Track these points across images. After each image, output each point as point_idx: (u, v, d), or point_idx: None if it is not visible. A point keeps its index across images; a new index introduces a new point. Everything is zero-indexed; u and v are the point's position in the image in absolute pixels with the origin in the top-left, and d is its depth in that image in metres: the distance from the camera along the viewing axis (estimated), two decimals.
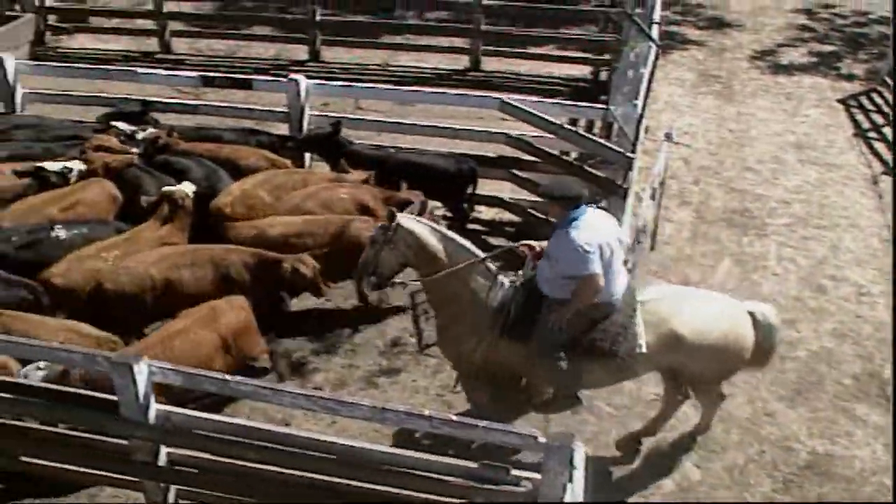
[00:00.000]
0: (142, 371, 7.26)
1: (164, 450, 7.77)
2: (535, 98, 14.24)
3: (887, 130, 16.35)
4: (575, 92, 17.66)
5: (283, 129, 13.48)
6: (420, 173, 12.05)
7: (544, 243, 8.50)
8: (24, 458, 8.22)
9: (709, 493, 8.90)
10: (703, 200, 13.94)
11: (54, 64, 17.26)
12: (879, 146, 15.91)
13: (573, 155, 12.99)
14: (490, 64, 19.01)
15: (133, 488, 8.25)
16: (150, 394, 7.41)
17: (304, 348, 10.77)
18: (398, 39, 20.02)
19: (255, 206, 11.18)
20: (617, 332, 8.28)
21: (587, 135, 12.72)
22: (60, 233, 10.39)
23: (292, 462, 7.34)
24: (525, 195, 12.77)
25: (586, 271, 8.01)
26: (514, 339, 8.44)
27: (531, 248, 8.71)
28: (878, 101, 17.68)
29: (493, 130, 13.31)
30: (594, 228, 8.14)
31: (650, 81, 11.46)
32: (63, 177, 11.31)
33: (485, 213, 13.30)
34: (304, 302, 11.13)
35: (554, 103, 13.70)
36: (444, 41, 19.49)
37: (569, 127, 12.61)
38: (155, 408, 7.48)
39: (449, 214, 12.49)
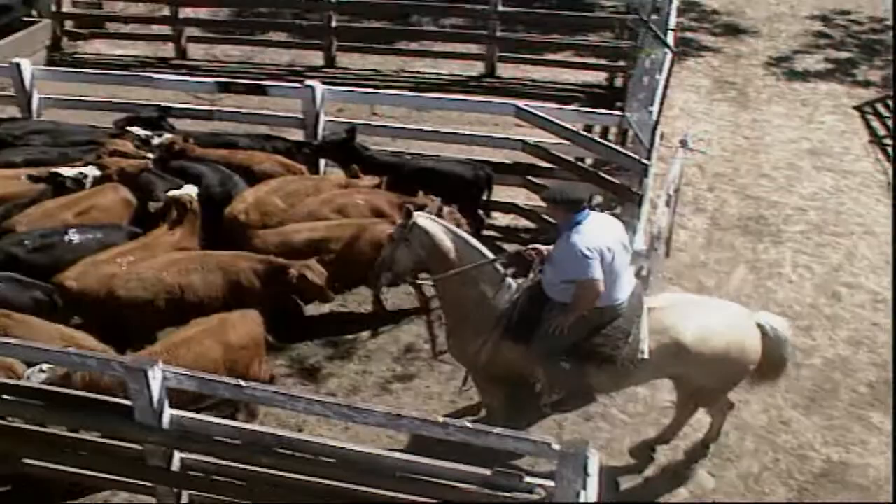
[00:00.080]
0: (156, 376, 7.28)
1: (177, 455, 7.79)
2: (550, 104, 14.23)
3: None
4: (590, 98, 17.64)
5: (298, 134, 13.47)
6: (435, 179, 12.03)
7: (552, 247, 8.52)
8: (36, 463, 8.24)
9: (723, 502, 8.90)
10: (718, 207, 13.92)
11: (71, 69, 17.33)
12: None
13: (588, 161, 12.97)
14: (506, 70, 19.02)
15: (146, 493, 8.25)
16: (165, 399, 7.42)
17: (317, 354, 10.78)
18: (414, 45, 20.00)
19: (270, 213, 11.18)
20: (619, 337, 8.28)
21: (602, 141, 12.70)
22: (74, 237, 10.43)
23: (305, 468, 7.35)
24: (540, 201, 12.74)
25: (586, 276, 8.04)
26: (516, 340, 8.50)
27: (538, 251, 8.74)
28: None
29: (509, 137, 13.31)
30: (596, 233, 8.17)
31: (665, 88, 11.45)
32: (78, 182, 11.32)
33: (500, 219, 13.29)
34: (319, 307, 11.13)
35: (569, 110, 13.72)
36: (459, 47, 19.50)
37: (584, 133, 12.60)
38: (169, 413, 7.50)
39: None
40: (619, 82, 18.30)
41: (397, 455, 7.15)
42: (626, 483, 9.04)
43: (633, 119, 12.20)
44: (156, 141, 12.38)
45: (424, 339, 10.93)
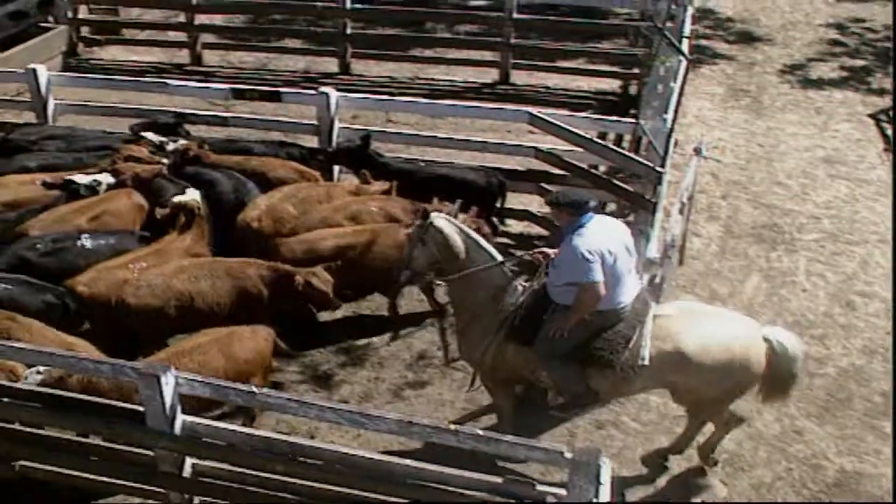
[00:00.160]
0: (169, 382, 7.29)
1: (188, 461, 7.80)
2: (564, 112, 14.25)
3: None
4: (604, 106, 17.64)
5: (312, 141, 13.49)
6: (449, 186, 12.02)
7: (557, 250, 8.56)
8: (47, 468, 8.27)
9: None
10: (731, 215, 13.89)
11: (86, 75, 17.39)
12: None
13: (602, 169, 12.97)
14: (519, 77, 19.01)
15: (157, 499, 8.26)
16: (177, 405, 7.44)
17: (330, 361, 10.79)
18: (428, 52, 20.03)
19: (282, 220, 11.19)
20: (619, 342, 8.31)
21: (616, 149, 12.69)
22: (87, 242, 10.47)
23: (317, 475, 7.36)
24: None
25: (586, 278, 8.08)
26: (519, 342, 8.57)
27: (545, 255, 8.81)
28: None
29: (523, 144, 13.33)
30: (598, 235, 8.21)
31: (680, 95, 11.44)
32: (92, 190, 11.36)
33: (514, 226, 13.29)
34: (333, 313, 11.14)
35: (583, 117, 13.73)
36: (473, 54, 19.50)
37: (598, 141, 12.59)
38: (181, 419, 7.52)
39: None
40: (633, 90, 18.28)
41: (409, 462, 7.12)
42: (638, 492, 9.03)
43: (647, 127, 12.19)
44: (170, 146, 12.42)
45: (437, 346, 10.96)
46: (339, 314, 11.23)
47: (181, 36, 20.42)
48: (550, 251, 8.79)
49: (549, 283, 8.54)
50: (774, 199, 14.40)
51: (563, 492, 6.74)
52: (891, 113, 17.65)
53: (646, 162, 11.34)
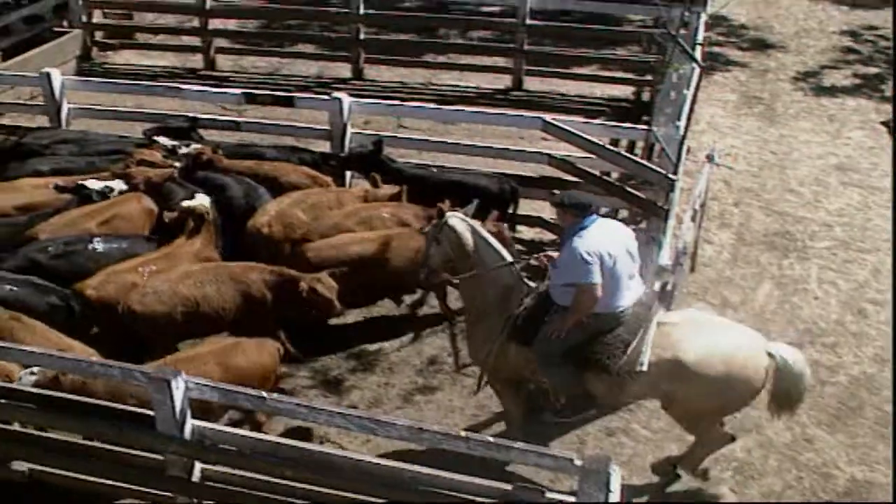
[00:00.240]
0: (179, 386, 7.31)
1: (198, 465, 7.82)
2: (577, 118, 14.25)
3: None
4: (617, 112, 17.61)
5: (324, 146, 13.51)
6: (462, 192, 12.00)
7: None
8: (55, 471, 8.29)
9: None
10: (743, 222, 13.87)
11: (100, 80, 17.45)
12: None
13: (614, 175, 12.97)
14: (532, 83, 19.01)
15: (165, 503, 8.27)
16: (187, 409, 7.46)
17: (340, 366, 10.80)
18: (441, 58, 20.03)
19: (292, 226, 11.20)
20: (617, 346, 8.30)
21: (629, 155, 12.67)
22: (98, 246, 10.50)
23: (327, 481, 7.36)
24: None
25: (584, 280, 8.12)
26: (520, 342, 8.61)
27: (550, 258, 8.86)
28: None
29: (535, 150, 13.34)
30: (598, 238, 8.25)
31: (693, 102, 11.43)
32: (104, 196, 11.39)
33: (525, 232, 13.29)
34: (344, 318, 11.16)
35: (596, 123, 13.74)
36: (486, 60, 19.53)
37: (610, 147, 12.59)
38: (191, 423, 7.53)
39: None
40: (645, 96, 18.27)
41: (419, 468, 7.12)
42: (649, 500, 9.01)
43: (660, 133, 12.19)
44: (182, 150, 12.45)
45: (448, 352, 10.96)
46: (349, 319, 11.24)
47: (195, 40, 20.49)
48: (555, 254, 8.84)
49: (551, 284, 8.61)
50: (787, 207, 14.37)
51: (572, 499, 6.73)
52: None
53: (658, 169, 11.33)
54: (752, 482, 9.19)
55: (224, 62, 20.35)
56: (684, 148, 11.28)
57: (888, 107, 18.23)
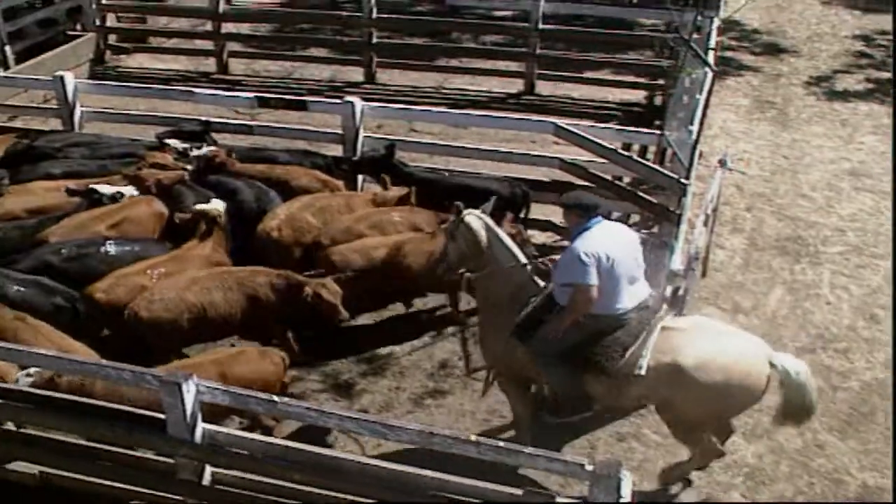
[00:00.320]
0: (190, 390, 7.32)
1: (208, 469, 7.83)
2: (589, 122, 14.25)
3: None
4: (629, 117, 17.63)
5: (336, 150, 13.52)
6: (473, 196, 12.00)
7: None
8: (65, 474, 8.31)
9: None
10: (755, 227, 13.84)
11: (113, 83, 17.47)
12: None
13: (626, 180, 12.96)
14: (545, 88, 19.02)
15: None
16: (198, 413, 7.47)
17: (351, 370, 10.79)
18: (453, 62, 20.08)
19: (302, 230, 11.23)
20: (615, 349, 8.29)
21: (641, 160, 12.66)
22: (111, 248, 10.53)
23: (337, 484, 7.36)
24: None
25: (579, 280, 8.15)
26: (522, 341, 8.63)
27: (554, 260, 8.92)
28: None
29: (547, 154, 13.34)
30: (599, 239, 8.27)
31: (705, 107, 11.41)
32: (114, 200, 11.41)
33: (537, 236, 13.27)
34: (353, 321, 11.17)
35: (608, 128, 13.71)
36: (499, 64, 19.54)
37: (623, 152, 12.58)
38: (201, 427, 7.54)
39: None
40: (658, 101, 18.26)
41: (429, 473, 7.12)
42: None
43: (672, 138, 12.17)
44: (193, 153, 12.47)
45: (459, 356, 10.95)
46: (359, 322, 11.25)
47: (208, 44, 20.55)
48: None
49: (553, 284, 8.64)
50: (799, 212, 14.34)
51: None
52: None
53: (670, 173, 11.31)
54: (764, 488, 9.16)
55: (237, 66, 20.41)
56: (696, 152, 11.26)
57: None
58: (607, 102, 18.60)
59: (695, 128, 11.16)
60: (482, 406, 10.13)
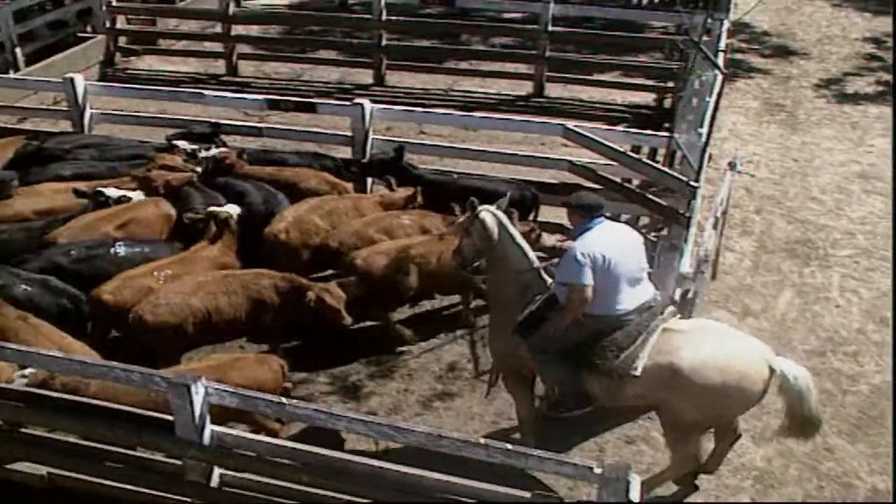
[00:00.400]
0: (199, 391, 7.33)
1: (216, 471, 7.83)
2: (598, 125, 14.24)
3: None
4: (638, 119, 17.61)
5: (346, 152, 13.53)
6: (483, 199, 11.99)
7: None
8: (72, 475, 8.32)
9: None
10: (765, 230, 13.82)
11: (123, 85, 17.51)
12: None
13: (636, 182, 12.94)
14: (554, 90, 19.03)
15: None
16: (206, 414, 7.47)
17: (360, 372, 10.79)
18: (463, 65, 20.09)
19: (310, 232, 11.22)
20: (610, 350, 8.28)
21: (650, 162, 12.63)
22: (120, 250, 10.55)
23: (346, 486, 7.36)
24: None
25: (573, 279, 8.20)
26: (524, 337, 8.67)
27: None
28: None
29: (556, 157, 13.34)
30: (598, 239, 8.31)
31: (715, 110, 11.40)
32: (121, 203, 11.43)
33: (546, 239, 13.26)
34: (363, 324, 11.17)
35: (617, 130, 13.70)
36: (508, 67, 19.55)
37: (632, 154, 12.56)
38: (210, 428, 7.54)
39: None
40: (667, 103, 18.24)
41: (437, 475, 7.12)
42: None
43: (682, 140, 12.14)
44: (202, 154, 12.48)
45: (467, 359, 10.95)
46: (368, 324, 11.24)
47: (217, 47, 20.61)
48: None
49: (554, 283, 8.69)
50: (808, 215, 14.32)
51: None
52: None
53: (680, 176, 11.27)
54: (773, 491, 9.14)
55: (246, 68, 20.46)
56: (706, 155, 11.24)
57: None
58: (616, 105, 18.62)
59: (704, 130, 11.14)
60: (490, 409, 10.12)
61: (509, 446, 6.90)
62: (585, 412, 9.47)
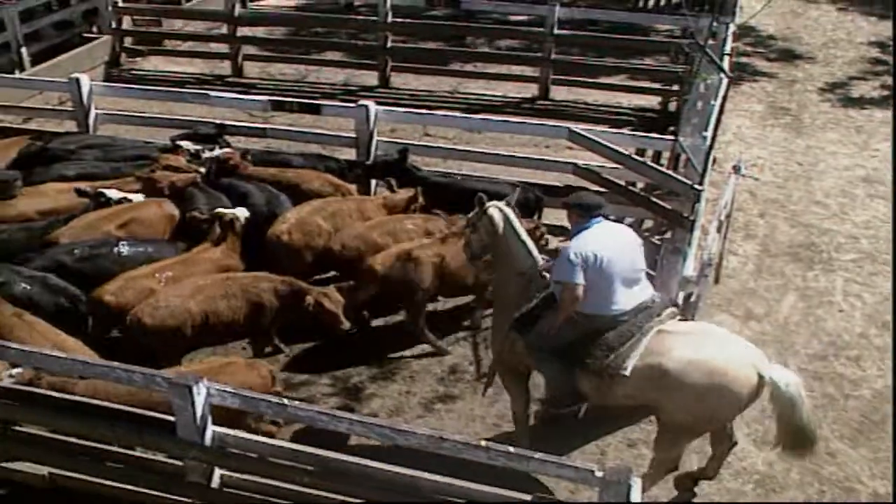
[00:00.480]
0: (200, 392, 7.33)
1: (217, 471, 7.84)
2: (603, 128, 14.24)
3: None
4: (643, 122, 17.60)
5: (350, 154, 13.54)
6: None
7: None
8: (73, 475, 8.33)
9: None
10: (768, 234, 13.81)
11: (128, 85, 17.54)
12: None
13: (640, 185, 12.94)
14: (559, 93, 19.03)
15: None
16: (208, 415, 7.47)
17: (361, 374, 10.79)
18: (468, 67, 20.09)
19: (312, 233, 11.21)
20: (601, 349, 8.26)
21: (655, 166, 12.64)
22: (123, 249, 10.56)
23: (346, 488, 7.37)
24: None
25: (564, 278, 8.23)
26: (520, 334, 8.71)
27: None
28: None
29: (561, 159, 13.34)
30: (593, 239, 8.31)
31: (720, 113, 11.39)
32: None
33: (550, 242, 13.25)
34: (364, 326, 11.19)
35: (622, 133, 13.72)
36: (513, 69, 19.57)
37: (636, 157, 12.57)
38: (211, 429, 7.55)
39: None
40: (672, 107, 18.23)
41: (437, 478, 7.12)
42: None
43: (686, 144, 12.14)
44: (206, 155, 12.50)
45: (469, 361, 10.95)
46: (368, 325, 11.25)
47: (223, 47, 20.64)
48: None
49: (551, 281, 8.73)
50: (812, 218, 14.31)
51: None
52: None
53: (684, 179, 11.27)
54: (775, 495, 9.13)
55: (251, 69, 20.48)
56: (710, 158, 11.24)
57: None
58: (622, 107, 18.61)
59: (709, 133, 11.13)
60: (492, 411, 10.12)
61: (511, 449, 6.90)
62: (585, 414, 9.50)
